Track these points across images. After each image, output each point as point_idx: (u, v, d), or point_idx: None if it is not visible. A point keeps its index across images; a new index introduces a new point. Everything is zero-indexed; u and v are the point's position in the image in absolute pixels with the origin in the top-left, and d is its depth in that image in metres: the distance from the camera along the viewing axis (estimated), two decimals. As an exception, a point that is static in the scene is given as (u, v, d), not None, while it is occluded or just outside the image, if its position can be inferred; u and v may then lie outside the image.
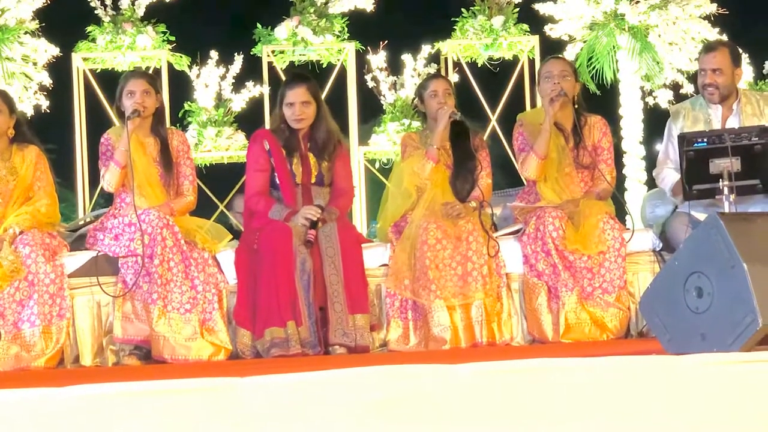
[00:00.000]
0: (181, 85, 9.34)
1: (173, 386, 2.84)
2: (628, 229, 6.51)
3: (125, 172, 6.26)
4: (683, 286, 3.78)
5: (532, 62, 9.31)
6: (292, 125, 6.40)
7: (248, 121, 9.23)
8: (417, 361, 4.05)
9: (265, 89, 9.14)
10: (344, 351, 6.00)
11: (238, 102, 9.27)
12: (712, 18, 9.11)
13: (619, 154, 8.52)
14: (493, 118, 9.49)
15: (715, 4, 9.08)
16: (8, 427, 2.63)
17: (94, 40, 9.09)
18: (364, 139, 9.39)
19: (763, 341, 3.57)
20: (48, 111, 8.97)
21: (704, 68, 6.58)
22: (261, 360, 5.94)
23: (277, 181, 6.41)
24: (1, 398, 2.83)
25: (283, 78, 8.47)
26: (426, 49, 9.42)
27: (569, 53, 9.10)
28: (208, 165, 9.16)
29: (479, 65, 9.50)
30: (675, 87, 9.24)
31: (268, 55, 9.24)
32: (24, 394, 2.85)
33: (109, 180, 6.37)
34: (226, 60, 9.34)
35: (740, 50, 6.94)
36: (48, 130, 7.87)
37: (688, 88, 9.03)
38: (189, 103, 9.26)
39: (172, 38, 9.19)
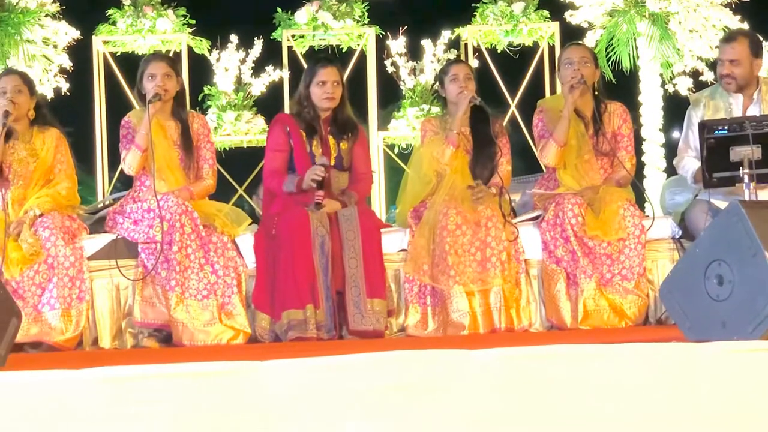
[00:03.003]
0: (201, 69, 9.36)
1: (193, 369, 2.85)
2: (648, 216, 6.50)
3: (146, 156, 6.27)
4: (704, 273, 3.77)
5: (552, 48, 9.31)
6: (321, 104, 6.41)
7: (268, 105, 9.24)
8: (435, 346, 4.03)
9: (284, 73, 9.15)
10: (357, 338, 6.03)
11: (258, 86, 9.29)
12: (734, 5, 9.09)
13: (638, 141, 8.51)
14: (513, 104, 9.49)
15: (738, -7, 9.09)
16: (29, 408, 2.64)
17: (114, 23, 9.12)
18: (383, 124, 9.40)
19: (784, 330, 3.56)
20: (68, 94, 8.99)
21: (722, 58, 6.58)
22: (280, 344, 5.95)
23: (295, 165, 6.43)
24: (22, 380, 2.83)
25: (303, 62, 8.46)
26: (446, 35, 9.42)
27: (589, 40, 9.09)
28: (227, 149, 9.17)
29: (499, 51, 9.51)
30: (695, 74, 9.22)
31: (288, 40, 9.25)
32: (44, 375, 2.85)
33: (129, 163, 6.38)
34: (246, 44, 9.35)
35: (761, 39, 6.92)
36: (68, 113, 7.88)
37: (708, 76, 9.01)
38: (209, 86, 9.28)
39: (193, 22, 9.21)
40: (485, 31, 9.36)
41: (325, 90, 6.40)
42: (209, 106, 9.18)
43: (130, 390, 2.74)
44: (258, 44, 9.33)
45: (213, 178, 6.63)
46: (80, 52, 9.09)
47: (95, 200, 8.03)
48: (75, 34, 8.95)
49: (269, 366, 2.83)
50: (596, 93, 6.73)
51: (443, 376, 2.86)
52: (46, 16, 8.83)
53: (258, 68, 9.34)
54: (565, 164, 6.58)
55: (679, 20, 9.05)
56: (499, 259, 6.23)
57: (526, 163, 9.09)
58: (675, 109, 9.02)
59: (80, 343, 6.09)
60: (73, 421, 2.60)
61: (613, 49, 9.18)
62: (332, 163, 6.42)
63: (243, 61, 9.30)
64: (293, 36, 9.25)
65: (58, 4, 8.87)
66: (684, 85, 9.16)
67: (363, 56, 9.33)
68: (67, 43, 8.95)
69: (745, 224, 3.64)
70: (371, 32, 9.25)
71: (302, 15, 9.19)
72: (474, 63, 8.89)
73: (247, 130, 9.17)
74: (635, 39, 9.19)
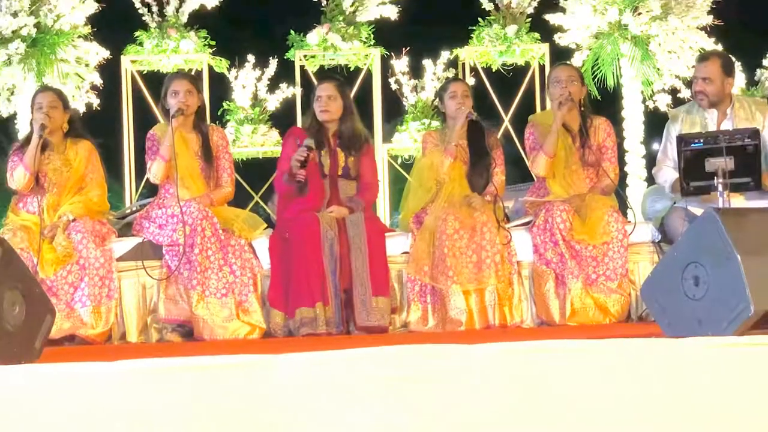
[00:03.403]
0: (220, 86, 9.34)
1: (213, 362, 2.85)
2: (630, 221, 6.50)
3: (170, 165, 6.28)
4: (681, 274, 3.77)
5: (542, 68, 9.28)
6: (318, 117, 6.43)
7: (281, 119, 9.23)
8: (435, 341, 4.04)
9: (297, 90, 9.14)
10: (363, 333, 6.02)
11: (273, 102, 9.27)
12: (709, 29, 9.08)
13: (621, 153, 8.48)
14: (506, 119, 9.47)
15: (711, 16, 9.05)
16: (61, 398, 2.63)
17: (141, 44, 9.11)
18: (387, 137, 9.39)
19: (755, 326, 3.56)
20: (98, 109, 8.98)
21: (696, 76, 6.62)
22: (292, 338, 5.96)
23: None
24: (56, 371, 2.83)
25: (315, 80, 8.46)
26: (445, 55, 9.41)
27: (576, 60, 9.07)
28: (244, 159, 9.16)
29: (494, 70, 9.48)
30: (673, 92, 9.21)
31: (301, 60, 9.24)
32: (76, 367, 2.85)
33: (155, 172, 6.40)
34: (261, 63, 9.34)
35: (733, 60, 6.92)
36: (98, 126, 7.87)
37: (685, 93, 8.99)
38: (227, 102, 9.27)
39: (213, 43, 9.20)
40: (481, 52, 9.35)
41: (320, 104, 6.45)
42: (228, 120, 9.17)
43: (154, 381, 2.73)
44: (273, 63, 9.31)
45: (231, 186, 6.64)
46: (110, 70, 9.09)
47: (123, 206, 8.02)
48: (105, 53, 8.94)
49: (283, 359, 2.83)
50: (582, 109, 6.74)
51: (442, 369, 2.85)
52: (79, 37, 8.82)
53: (273, 85, 9.33)
54: (554, 174, 6.60)
55: (659, 42, 9.03)
56: (494, 260, 6.24)
57: (519, 173, 9.08)
58: (655, 123, 9.00)
59: (109, 337, 6.11)
60: (101, 409, 2.60)
61: (599, 68, 9.15)
62: (339, 173, 6.44)
63: (259, 79, 9.28)
64: (305, 56, 9.24)
65: (89, 26, 8.86)
66: (663, 102, 9.14)
67: (369, 75, 9.31)
68: (97, 62, 8.94)
69: (720, 230, 3.64)
70: (377, 53, 9.24)
71: (313, 37, 9.19)
72: (471, 81, 8.86)
73: (262, 143, 9.16)
74: (618, 59, 9.17)
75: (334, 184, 6.42)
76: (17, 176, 6.30)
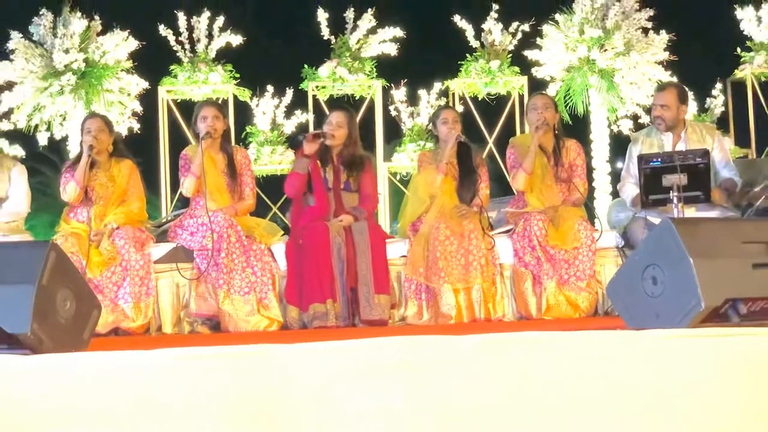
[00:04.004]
0: (243, 113, 9.34)
1: (237, 351, 2.85)
2: (597, 229, 6.51)
3: (200, 181, 6.29)
4: (642, 275, 3.77)
5: (521, 97, 9.28)
6: (309, 145, 6.45)
7: (297, 141, 9.22)
8: (428, 332, 4.04)
9: (310, 117, 9.14)
10: (367, 325, 6.02)
11: (289, 126, 9.27)
12: (665, 63, 9.08)
13: (589, 170, 8.49)
14: (490, 141, 9.46)
15: (668, 53, 9.06)
16: (106, 382, 2.63)
17: (175, 76, 9.11)
18: (388, 156, 9.38)
19: (705, 320, 3.55)
20: (138, 132, 8.98)
21: (655, 103, 6.64)
22: (306, 330, 5.96)
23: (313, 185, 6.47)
24: (101, 359, 2.83)
25: (325, 108, 8.47)
26: (437, 86, 9.40)
27: (551, 90, 9.06)
28: (264, 176, 9.15)
29: (480, 99, 9.48)
30: (634, 118, 9.20)
31: (313, 90, 9.24)
32: (119, 355, 2.85)
33: (187, 187, 6.41)
34: (279, 93, 9.34)
35: (687, 90, 6.92)
36: (138, 147, 7.87)
37: (645, 119, 8.99)
38: (250, 126, 9.26)
39: (237, 75, 9.20)
40: (469, 83, 9.34)
41: (329, 129, 6.49)
42: (250, 142, 9.16)
43: (187, 366, 2.73)
44: (289, 93, 9.31)
45: (253, 199, 6.66)
46: (148, 99, 9.09)
47: (160, 216, 8.02)
48: (144, 84, 8.94)
49: (297, 348, 2.83)
50: (556, 132, 6.76)
51: (435, 356, 2.85)
52: (122, 70, 8.83)
53: (289, 112, 9.33)
54: (532, 189, 6.61)
55: (622, 75, 9.03)
56: (479, 263, 6.23)
57: (501, 188, 9.07)
58: (619, 145, 9.00)
59: (147, 329, 6.11)
60: (140, 390, 2.60)
61: (570, 97, 9.15)
62: (342, 186, 6.46)
63: (277, 107, 9.28)
64: (317, 87, 9.24)
65: (131, 61, 8.88)
66: (626, 126, 9.14)
67: (372, 103, 9.31)
68: (138, 92, 8.94)
69: (675, 236, 3.64)
70: (378, 84, 9.24)
71: (324, 70, 9.19)
72: (460, 108, 8.88)
73: (280, 161, 9.15)
74: (587, 89, 9.16)
75: (337, 196, 6.44)
76: (69, 190, 6.32)
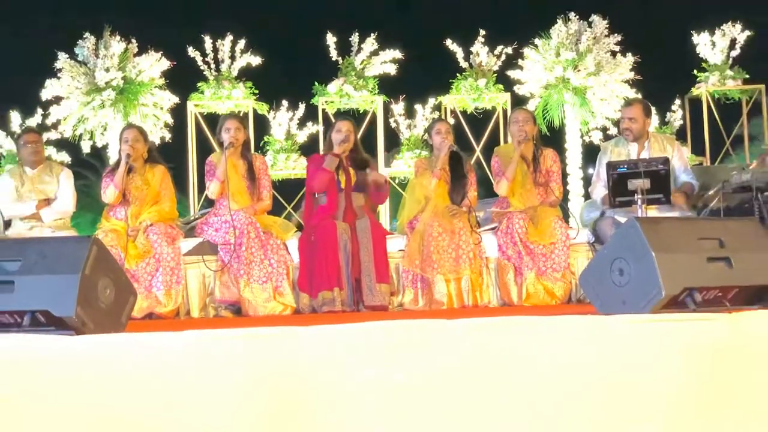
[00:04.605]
0: (262, 124, 9.36)
1: (256, 332, 2.85)
2: (571, 227, 6.50)
3: (223, 185, 6.28)
4: (610, 267, 3.76)
5: (505, 111, 9.28)
6: (337, 148, 6.43)
7: (307, 149, 9.24)
8: (423, 317, 4.03)
9: (320, 128, 9.15)
10: (370, 310, 6.02)
11: (301, 136, 9.30)
12: (631, 82, 9.09)
13: (564, 175, 8.48)
14: (478, 150, 9.47)
15: (633, 73, 9.07)
16: (141, 359, 2.64)
17: (202, 92, 9.12)
18: (388, 162, 9.39)
19: (665, 306, 3.55)
20: (170, 141, 9.00)
21: (623, 117, 6.63)
22: (316, 314, 5.95)
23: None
24: (137, 339, 2.83)
25: (333, 120, 8.50)
26: (431, 101, 9.43)
27: (530, 105, 9.08)
28: (280, 180, 9.17)
29: (468, 113, 9.49)
30: (604, 129, 9.22)
31: (322, 104, 9.25)
32: (152, 336, 2.85)
33: (212, 190, 6.41)
34: (293, 107, 9.36)
35: (650, 105, 6.93)
36: (169, 154, 7.88)
37: (613, 131, 9.00)
38: (267, 136, 9.28)
39: (256, 92, 9.22)
40: (459, 99, 9.35)
41: (340, 137, 6.49)
42: (267, 150, 9.17)
43: (212, 346, 2.73)
44: (301, 107, 9.33)
45: (270, 200, 6.65)
46: (178, 112, 9.10)
47: (188, 214, 8.02)
48: (175, 99, 8.96)
49: (309, 330, 2.83)
50: (534, 142, 6.75)
51: (429, 337, 2.85)
52: (155, 87, 8.85)
53: (301, 124, 9.35)
54: (514, 192, 6.60)
55: (593, 92, 9.04)
56: (468, 256, 6.23)
57: (487, 191, 9.07)
58: (590, 153, 9.02)
59: (177, 313, 6.10)
60: (171, 367, 2.60)
61: (548, 111, 9.16)
62: (352, 187, 6.45)
63: (291, 119, 9.30)
64: (326, 102, 9.25)
65: (163, 78, 8.89)
66: (596, 137, 9.16)
67: (374, 116, 9.32)
68: (169, 106, 8.96)
69: (639, 233, 3.64)
70: (380, 99, 9.25)
71: (332, 87, 9.20)
72: (451, 121, 8.87)
73: (293, 167, 9.17)
74: (563, 105, 9.17)
75: (348, 196, 6.43)
76: (109, 193, 6.32)
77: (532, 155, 6.71)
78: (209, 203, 7.26)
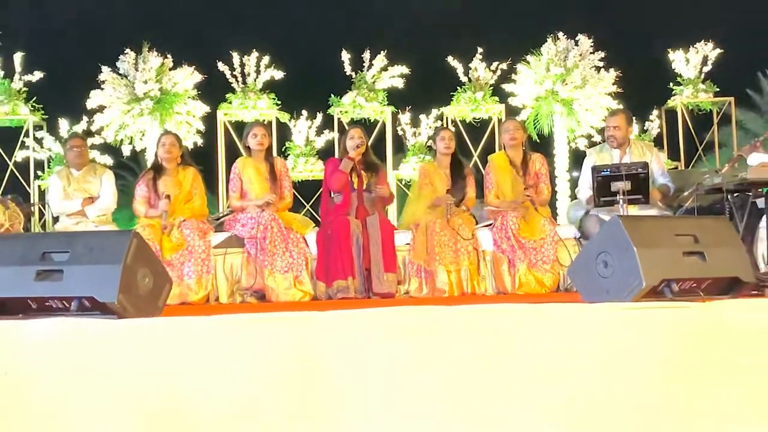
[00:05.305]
0: (283, 131, 9.36)
1: (278, 316, 2.85)
2: (559, 224, 6.51)
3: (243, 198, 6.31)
4: (595, 260, 3.75)
5: (500, 121, 9.28)
6: (352, 153, 6.44)
7: (324, 154, 9.25)
8: (427, 303, 4.03)
9: (335, 135, 9.16)
10: (379, 297, 6.01)
11: (319, 142, 9.31)
12: (614, 94, 9.08)
13: (553, 177, 8.48)
14: (476, 155, 9.46)
15: (615, 86, 9.06)
16: (175, 339, 2.64)
17: (230, 102, 9.13)
18: (395, 166, 9.40)
19: (645, 295, 3.54)
20: (201, 146, 9.01)
21: (608, 125, 6.61)
22: (331, 301, 5.95)
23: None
24: (172, 322, 2.83)
25: (347, 128, 8.50)
26: (434, 112, 9.43)
27: (523, 115, 9.08)
28: (300, 181, 9.17)
29: (467, 122, 9.49)
30: (589, 137, 9.21)
31: (338, 114, 9.25)
32: (185, 320, 2.85)
33: (231, 204, 6.46)
34: (311, 116, 9.37)
35: (632, 115, 6.93)
36: (201, 158, 7.89)
37: (596, 138, 9.00)
38: (288, 142, 9.29)
39: (279, 102, 9.22)
40: (459, 110, 9.35)
41: (355, 143, 6.47)
42: (288, 154, 9.18)
43: (239, 328, 2.73)
44: (319, 117, 9.34)
45: (290, 199, 6.65)
46: (209, 120, 9.11)
47: (217, 212, 8.03)
48: (206, 108, 8.97)
49: (325, 314, 2.83)
50: (524, 148, 6.77)
51: (432, 321, 2.85)
52: (189, 97, 8.85)
53: (319, 131, 9.36)
54: (506, 195, 6.62)
55: (580, 104, 9.04)
56: (467, 250, 6.23)
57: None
58: (576, 158, 9.01)
59: (207, 299, 6.10)
60: (202, 346, 2.60)
61: (538, 120, 9.15)
62: (364, 188, 6.45)
63: (310, 127, 9.31)
64: (341, 112, 9.25)
65: (196, 90, 8.90)
66: (582, 143, 9.15)
67: (383, 125, 9.32)
68: (201, 114, 8.97)
69: (621, 230, 3.63)
70: (388, 110, 9.26)
71: (346, 99, 9.21)
72: (452, 129, 8.88)
73: (311, 170, 9.18)
74: (552, 115, 9.16)
75: (359, 196, 6.43)
76: (137, 210, 6.46)
77: (521, 159, 6.72)
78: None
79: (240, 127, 8.82)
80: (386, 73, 9.22)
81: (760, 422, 2.41)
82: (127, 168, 15.84)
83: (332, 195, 6.52)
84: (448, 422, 2.41)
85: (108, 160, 9.18)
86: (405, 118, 9.37)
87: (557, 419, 2.44)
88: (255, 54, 9.14)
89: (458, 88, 9.36)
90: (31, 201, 8.60)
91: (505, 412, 2.45)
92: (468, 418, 2.43)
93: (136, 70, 8.68)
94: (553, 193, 8.17)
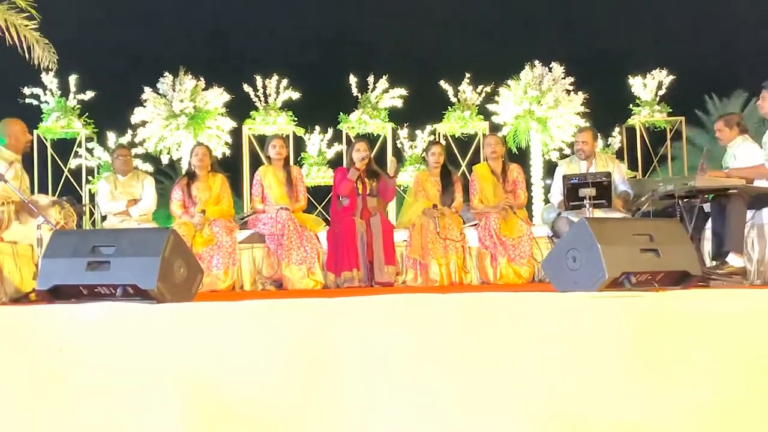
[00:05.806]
0: (299, 144, 9.36)
1: (294, 302, 2.84)
2: (534, 224, 6.49)
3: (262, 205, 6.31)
4: (565, 255, 3.76)
5: (484, 136, 9.28)
6: (358, 163, 6.43)
7: (334, 163, 9.23)
8: (421, 291, 4.03)
9: (344, 148, 9.15)
10: (380, 286, 6.01)
11: (330, 153, 9.29)
12: (582, 114, 9.07)
13: (529, 185, 8.47)
14: (463, 165, 9.44)
15: (583, 107, 9.06)
16: (206, 322, 2.63)
17: (254, 119, 9.11)
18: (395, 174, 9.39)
19: (608, 286, 3.54)
20: (228, 156, 9.00)
21: (577, 140, 6.61)
22: (339, 289, 5.94)
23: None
24: (203, 307, 2.83)
25: (354, 141, 8.50)
26: (428, 128, 9.42)
27: (504, 131, 9.07)
28: (313, 186, 9.16)
29: (456, 137, 9.47)
30: (560, 150, 9.20)
31: (346, 129, 9.24)
32: (214, 304, 2.85)
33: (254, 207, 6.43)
34: (323, 130, 9.36)
35: (597, 132, 6.93)
36: (229, 166, 7.88)
37: (567, 151, 8.98)
38: (303, 153, 9.28)
39: (295, 119, 9.21)
40: (449, 126, 9.33)
41: (360, 155, 6.45)
42: (304, 163, 9.17)
43: (261, 312, 2.73)
44: (330, 131, 9.33)
45: (305, 201, 6.65)
46: (236, 134, 9.10)
47: (242, 212, 8.02)
48: (233, 124, 8.96)
49: (335, 300, 2.83)
50: (503, 160, 6.77)
51: (426, 308, 2.84)
52: (218, 114, 8.85)
53: (330, 144, 9.34)
54: (489, 201, 6.60)
55: (553, 122, 9.03)
56: (455, 246, 6.22)
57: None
58: (549, 168, 8.99)
59: (233, 287, 6.10)
60: (229, 327, 2.59)
61: (517, 135, 9.14)
62: (368, 192, 6.45)
63: (321, 140, 9.29)
64: (348, 127, 9.24)
65: (224, 108, 8.90)
66: (554, 156, 9.14)
67: (385, 139, 9.31)
68: (228, 129, 8.97)
69: (587, 230, 3.63)
70: (389, 126, 9.24)
71: (353, 116, 9.19)
72: (443, 143, 8.87)
73: (323, 177, 9.17)
74: (529, 131, 9.15)
75: (364, 199, 6.44)
76: (174, 212, 6.48)
77: (501, 169, 6.73)
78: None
79: (262, 139, 8.81)
80: (387, 95, 9.20)
81: (705, 390, 2.41)
82: (165, 174, 15.83)
83: (340, 199, 6.52)
84: (440, 389, 2.41)
85: (149, 167, 9.17)
86: (403, 133, 9.36)
87: (539, 390, 2.43)
88: (275, 77, 9.14)
89: (449, 107, 9.34)
90: (83, 202, 8.61)
91: (493, 383, 2.44)
92: (458, 390, 2.42)
93: (174, 90, 8.68)
94: (530, 198, 8.17)
